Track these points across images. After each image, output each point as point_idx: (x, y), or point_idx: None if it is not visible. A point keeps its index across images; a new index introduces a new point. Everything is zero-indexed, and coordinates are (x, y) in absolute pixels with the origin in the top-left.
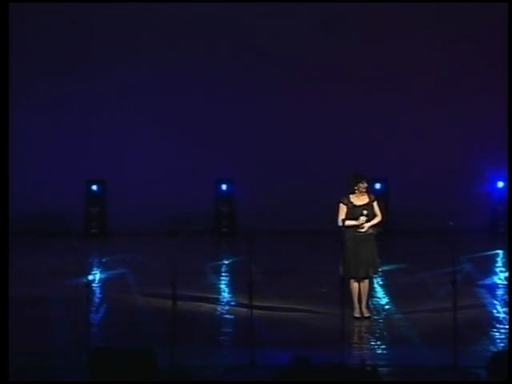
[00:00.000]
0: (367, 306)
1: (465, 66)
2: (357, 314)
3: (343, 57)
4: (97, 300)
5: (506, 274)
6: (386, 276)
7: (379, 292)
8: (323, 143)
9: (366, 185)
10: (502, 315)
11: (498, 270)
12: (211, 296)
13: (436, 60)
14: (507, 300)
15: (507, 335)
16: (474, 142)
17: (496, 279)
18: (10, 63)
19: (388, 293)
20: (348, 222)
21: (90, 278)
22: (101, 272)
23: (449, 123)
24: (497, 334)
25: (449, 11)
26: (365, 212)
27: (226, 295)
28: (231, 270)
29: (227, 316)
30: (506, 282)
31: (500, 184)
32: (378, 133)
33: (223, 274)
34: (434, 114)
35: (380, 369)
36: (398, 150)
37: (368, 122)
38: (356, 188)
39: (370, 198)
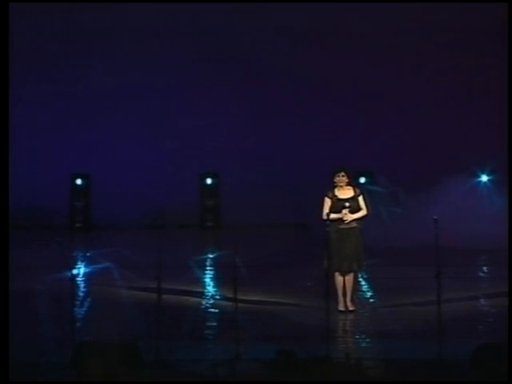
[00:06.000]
0: (352, 300)
1: (454, 63)
2: (341, 308)
3: (330, 51)
4: (81, 294)
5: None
6: (370, 269)
7: (364, 285)
8: (310, 137)
9: (344, 178)
10: (485, 308)
11: (480, 263)
12: (196, 290)
13: (423, 54)
14: (491, 293)
15: (492, 328)
16: (460, 136)
17: (479, 272)
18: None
19: (373, 286)
20: (332, 216)
21: (75, 272)
22: (85, 266)
23: (434, 117)
24: (481, 327)
25: (442, 11)
26: (347, 204)
27: (211, 289)
28: (216, 264)
29: (212, 310)
30: (489, 275)
31: (484, 178)
32: (366, 126)
33: (208, 268)
34: (420, 108)
35: (365, 362)
36: (384, 144)
37: (355, 116)
38: (335, 181)
39: (355, 191)
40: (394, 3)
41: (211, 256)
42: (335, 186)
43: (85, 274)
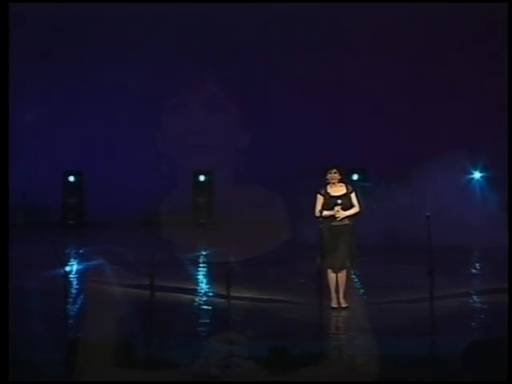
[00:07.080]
0: (345, 297)
1: (451, 61)
2: (334, 305)
3: (326, 50)
4: (74, 291)
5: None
6: (363, 266)
7: (357, 282)
8: (303, 134)
9: (336, 175)
10: (478, 305)
11: (473, 260)
12: (189, 287)
13: (417, 52)
14: (484, 290)
15: (484, 325)
16: (455, 133)
17: (471, 269)
18: None
19: (365, 283)
20: (325, 213)
21: (68, 269)
22: (78, 263)
23: (428, 114)
24: (473, 324)
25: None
26: (339, 201)
27: (204, 286)
28: (209, 261)
29: (205, 307)
30: (482, 272)
31: (477, 175)
32: (359, 124)
33: (201, 265)
34: (415, 106)
35: (357, 359)
36: (377, 141)
37: (348, 114)
38: (327, 178)
39: (347, 188)
40: (394, 3)
41: (204, 253)
42: (327, 183)
43: (78, 271)
